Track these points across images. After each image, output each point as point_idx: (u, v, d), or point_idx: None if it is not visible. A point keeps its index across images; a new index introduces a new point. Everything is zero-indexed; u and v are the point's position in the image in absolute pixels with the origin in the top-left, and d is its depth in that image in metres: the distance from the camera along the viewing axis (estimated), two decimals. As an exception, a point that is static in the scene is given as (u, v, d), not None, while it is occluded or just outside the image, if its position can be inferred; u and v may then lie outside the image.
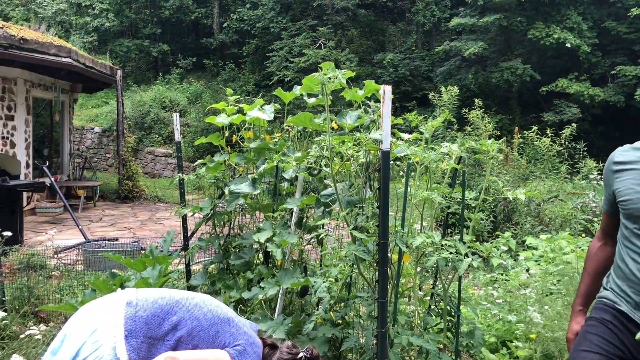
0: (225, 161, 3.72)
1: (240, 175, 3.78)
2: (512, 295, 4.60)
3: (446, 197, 2.80)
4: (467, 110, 9.91)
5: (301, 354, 2.13)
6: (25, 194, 9.54)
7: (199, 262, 4.77)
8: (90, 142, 17.78)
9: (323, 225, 2.49)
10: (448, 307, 2.87)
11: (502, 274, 5.13)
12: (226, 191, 3.46)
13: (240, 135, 3.69)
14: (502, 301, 4.44)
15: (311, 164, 2.44)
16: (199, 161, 3.92)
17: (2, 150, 9.69)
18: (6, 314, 3.91)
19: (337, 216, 3.12)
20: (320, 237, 2.50)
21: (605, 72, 17.22)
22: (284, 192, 3.59)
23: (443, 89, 11.02)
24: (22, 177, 9.65)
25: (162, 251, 4.02)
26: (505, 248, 5.90)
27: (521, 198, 2.55)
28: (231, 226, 3.89)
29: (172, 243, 4.16)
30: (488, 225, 7.36)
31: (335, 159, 2.28)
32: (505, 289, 4.81)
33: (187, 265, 4.24)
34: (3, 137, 9.87)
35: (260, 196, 3.54)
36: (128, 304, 1.95)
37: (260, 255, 3.64)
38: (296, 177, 3.36)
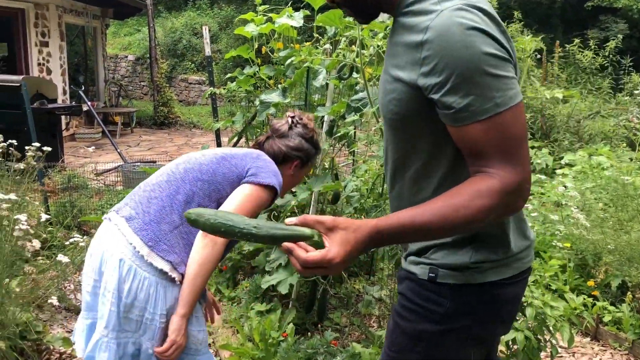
0: (255, 74, 3.68)
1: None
2: (546, 209, 4.55)
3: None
4: (506, 24, 9.49)
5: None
6: (63, 119, 9.73)
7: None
8: (125, 70, 17.85)
9: (354, 123, 2.45)
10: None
11: (540, 187, 5.04)
12: (257, 102, 3.44)
13: (270, 47, 3.63)
14: (537, 214, 4.38)
15: (341, 59, 2.37)
16: (229, 74, 3.89)
17: (38, 77, 9.83)
18: (52, 227, 4.09)
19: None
20: (349, 133, 2.48)
21: (658, -17, 16.12)
22: (315, 104, 3.56)
23: (482, 2, 10.52)
24: (59, 101, 9.82)
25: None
26: (543, 165, 5.81)
27: (558, 97, 2.45)
28: (264, 140, 3.90)
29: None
30: (525, 143, 7.19)
31: (364, 52, 2.21)
32: (541, 202, 4.75)
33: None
34: (39, 64, 9.98)
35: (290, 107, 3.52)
36: (128, 219, 1.80)
37: (293, 167, 3.66)
38: (327, 85, 3.31)
